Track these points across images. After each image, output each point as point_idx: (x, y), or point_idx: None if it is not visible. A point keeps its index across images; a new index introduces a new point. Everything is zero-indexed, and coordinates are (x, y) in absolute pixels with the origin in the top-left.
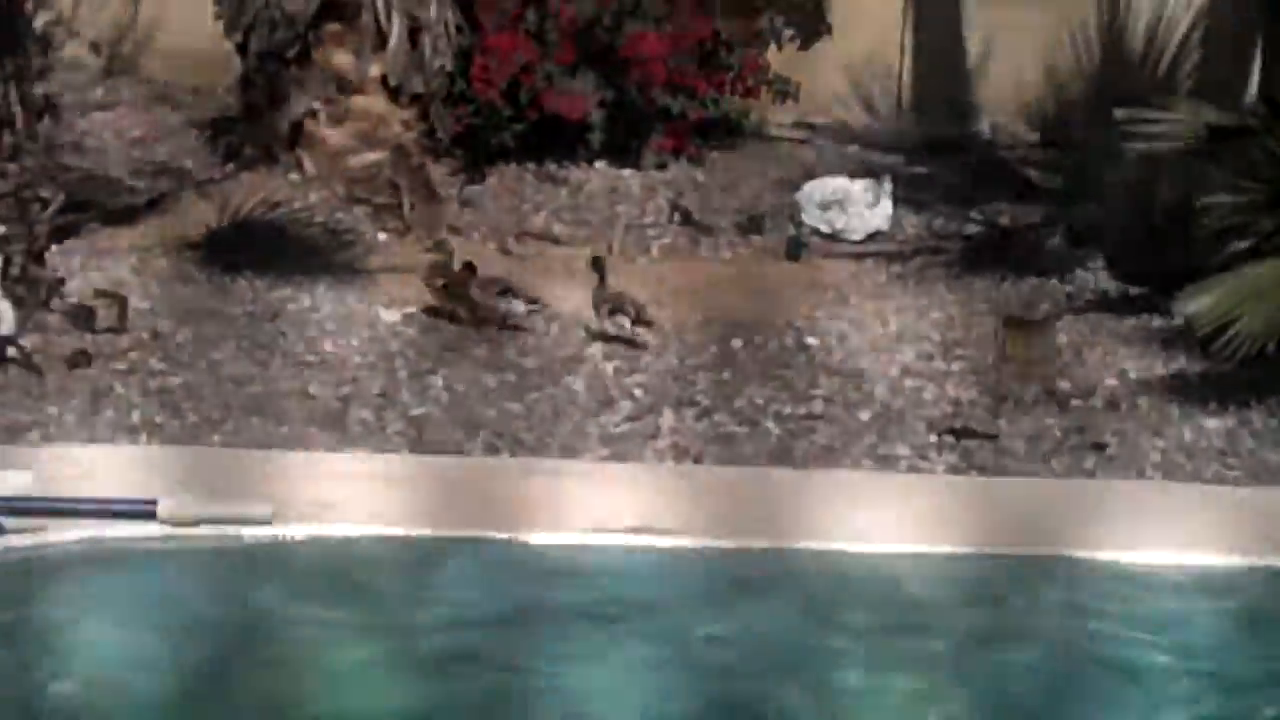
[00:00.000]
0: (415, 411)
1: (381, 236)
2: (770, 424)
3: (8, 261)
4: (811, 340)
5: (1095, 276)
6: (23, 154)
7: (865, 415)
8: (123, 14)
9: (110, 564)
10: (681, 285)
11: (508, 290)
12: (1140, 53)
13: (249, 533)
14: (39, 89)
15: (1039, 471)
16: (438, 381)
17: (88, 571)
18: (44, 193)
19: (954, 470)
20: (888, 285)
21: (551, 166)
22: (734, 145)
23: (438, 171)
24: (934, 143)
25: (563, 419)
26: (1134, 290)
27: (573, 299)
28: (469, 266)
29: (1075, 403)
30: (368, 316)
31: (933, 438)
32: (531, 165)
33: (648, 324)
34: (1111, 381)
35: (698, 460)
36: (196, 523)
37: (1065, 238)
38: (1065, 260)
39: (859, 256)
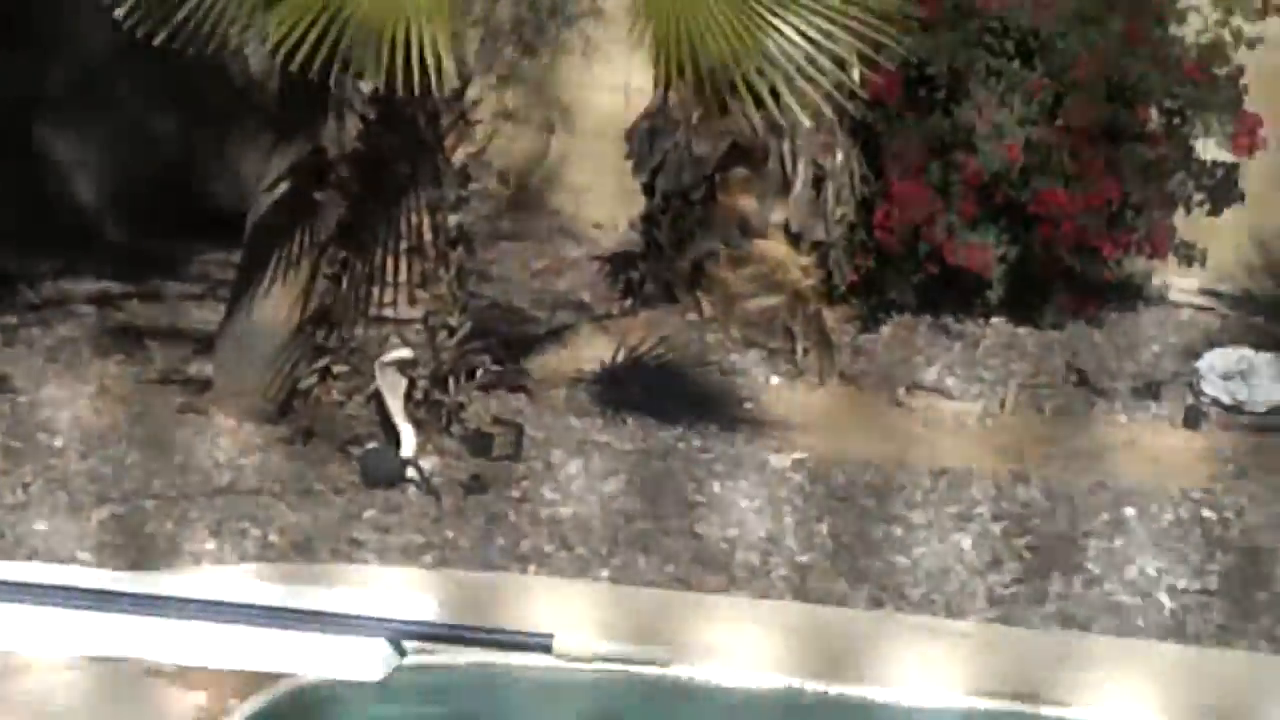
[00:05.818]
0: (801, 558)
1: (774, 380)
2: (1163, 596)
3: (412, 384)
4: (1208, 513)
5: None
6: (433, 282)
7: (1263, 595)
8: (533, 147)
9: (502, 689)
10: (1074, 449)
11: None
12: None
13: (633, 669)
14: (453, 219)
15: None
16: (824, 529)
17: (476, 693)
18: (451, 320)
19: None
20: None
21: (947, 319)
22: (1134, 308)
23: (832, 318)
24: None
25: (949, 577)
26: None
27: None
28: None
29: None
30: (756, 460)
31: None
32: (926, 317)
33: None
34: None
35: (1084, 629)
36: (593, 660)
37: None
38: None
39: (1261, 430)
